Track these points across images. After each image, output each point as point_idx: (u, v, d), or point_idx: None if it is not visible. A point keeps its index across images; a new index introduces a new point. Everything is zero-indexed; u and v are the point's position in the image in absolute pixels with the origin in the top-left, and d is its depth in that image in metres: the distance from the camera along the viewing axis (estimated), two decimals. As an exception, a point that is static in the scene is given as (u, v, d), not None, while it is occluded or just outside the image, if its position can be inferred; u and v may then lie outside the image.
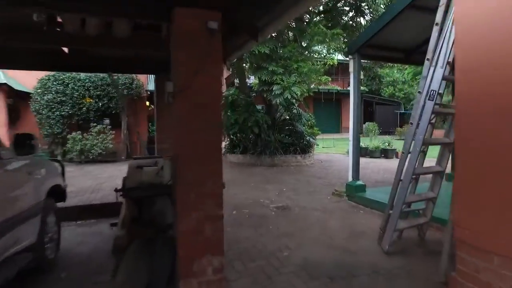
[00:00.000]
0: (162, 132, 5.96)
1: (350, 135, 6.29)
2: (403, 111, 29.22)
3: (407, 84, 30.80)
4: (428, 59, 3.20)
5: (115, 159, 11.66)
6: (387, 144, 12.77)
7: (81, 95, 11.19)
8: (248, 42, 4.07)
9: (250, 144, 10.78)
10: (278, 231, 4.41)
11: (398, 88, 30.29)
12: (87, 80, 11.25)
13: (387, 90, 30.58)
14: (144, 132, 13.60)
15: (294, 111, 11.61)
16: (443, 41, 3.01)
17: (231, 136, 11.11)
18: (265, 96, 10.58)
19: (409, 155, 3.56)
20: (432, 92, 3.14)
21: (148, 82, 13.97)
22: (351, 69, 6.15)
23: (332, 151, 15.36)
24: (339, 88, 25.37)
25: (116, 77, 11.19)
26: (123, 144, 12.15)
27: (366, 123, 26.42)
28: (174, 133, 2.74)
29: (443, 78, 3.08)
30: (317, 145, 11.67)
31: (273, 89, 9.72)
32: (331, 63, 15.07)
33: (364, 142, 13.35)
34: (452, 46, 2.92)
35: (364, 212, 5.34)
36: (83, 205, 5.46)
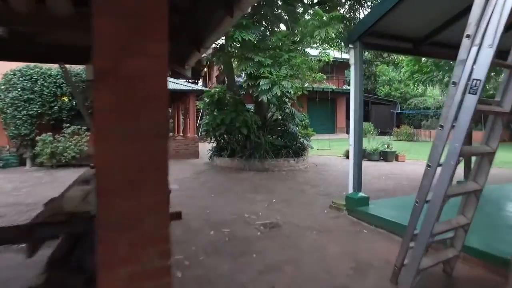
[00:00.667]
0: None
1: (351, 138, 5.39)
2: (399, 111, 28.49)
3: (403, 83, 30.07)
4: (468, 36, 2.27)
5: (91, 163, 10.61)
6: (386, 146, 11.92)
7: (52, 92, 10.14)
8: (224, 19, 3.15)
9: (239, 146, 9.85)
10: (263, 263, 3.47)
11: (394, 87, 29.57)
12: (58, 76, 10.20)
13: (383, 90, 29.86)
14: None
15: (287, 110, 10.70)
16: (494, 7, 2.10)
17: (218, 138, 10.15)
18: (250, 92, 9.61)
19: (438, 168, 2.62)
20: (475, 83, 2.22)
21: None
22: (351, 60, 5.25)
23: (328, 153, 14.47)
24: (334, 87, 24.54)
25: (69, 68, 10.14)
26: (100, 146, 11.10)
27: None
28: (92, 143, 1.78)
29: (493, 63, 2.16)
30: (312, 147, 10.75)
31: (260, 83, 8.62)
32: (326, 60, 14.20)
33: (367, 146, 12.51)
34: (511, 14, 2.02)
35: (368, 232, 4.43)
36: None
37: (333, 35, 9.43)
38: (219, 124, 9.44)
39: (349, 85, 26.06)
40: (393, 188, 7.27)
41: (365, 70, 31.35)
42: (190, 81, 33.16)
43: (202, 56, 10.68)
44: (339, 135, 25.32)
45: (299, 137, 10.49)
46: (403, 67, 25.75)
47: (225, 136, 9.99)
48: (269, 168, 9.37)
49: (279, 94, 8.35)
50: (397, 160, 11.70)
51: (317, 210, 5.51)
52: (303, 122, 22.78)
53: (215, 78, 24.90)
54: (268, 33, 9.13)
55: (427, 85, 25.76)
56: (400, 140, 21.41)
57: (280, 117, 10.70)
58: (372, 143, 12.60)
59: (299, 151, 9.98)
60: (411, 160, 12.10)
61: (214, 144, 10.69)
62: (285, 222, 4.87)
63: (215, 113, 9.74)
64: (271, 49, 9.03)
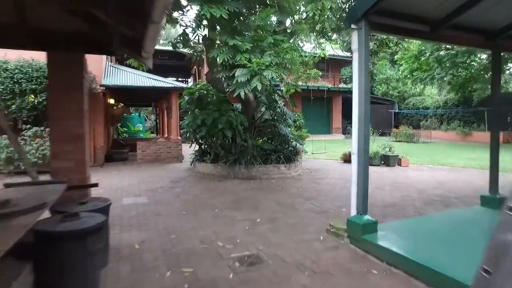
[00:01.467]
0: (60, 141, 3.79)
1: (354, 144, 4.28)
2: (397, 111, 27.50)
3: (401, 82, 29.11)
4: None
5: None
6: (388, 149, 10.81)
7: (8, 89, 8.89)
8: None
9: (222, 151, 8.68)
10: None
11: (392, 86, 28.59)
12: (16, 71, 8.95)
13: (380, 88, 28.87)
14: (100, 135, 11.33)
15: (278, 109, 9.53)
16: None
17: (199, 142, 8.96)
18: (225, 86, 8.40)
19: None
20: None
21: (106, 75, 11.72)
22: (354, 46, 4.09)
23: (323, 156, 13.34)
24: (330, 86, 23.44)
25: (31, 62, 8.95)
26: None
27: (358, 123, 24.58)
28: None
29: None
30: (306, 152, 9.58)
31: (235, 75, 6.97)
32: (322, 56, 13.10)
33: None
34: None
35: (379, 273, 3.28)
36: None
37: (329, 13, 8.08)
38: (200, 125, 8.26)
39: (345, 83, 25.01)
40: (401, 202, 6.15)
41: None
42: (180, 79, 31.96)
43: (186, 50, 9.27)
44: (335, 136, 24.25)
45: (292, 140, 9.34)
46: (401, 64, 24.73)
47: (207, 139, 8.80)
48: (256, 175, 8.21)
49: (259, 88, 6.70)
50: (400, 164, 10.61)
51: (311, 235, 4.36)
52: (297, 123, 21.72)
53: (204, 76, 23.72)
54: (246, 11, 7.67)
55: (427, 83, 24.80)
56: (399, 141, 20.36)
57: (270, 117, 9.55)
58: (372, 145, 11.48)
59: (291, 156, 8.83)
60: (415, 164, 11.02)
61: (197, 148, 9.51)
62: (269, 254, 3.71)
63: (196, 113, 8.55)
64: (249, 31, 7.61)
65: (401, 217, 5.22)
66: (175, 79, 26.53)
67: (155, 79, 12.41)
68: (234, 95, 7.24)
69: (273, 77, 6.82)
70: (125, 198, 6.45)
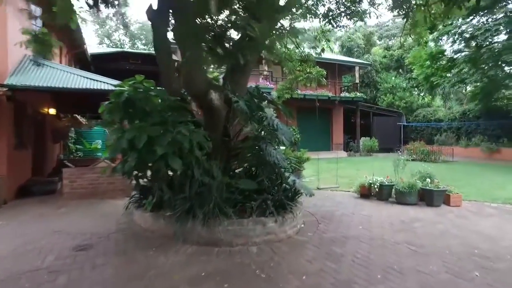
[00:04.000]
0: None
1: None
2: (405, 123, 24.20)
3: (408, 92, 25.93)
4: None
5: None
6: (428, 180, 7.30)
7: None
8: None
9: (170, 191, 5.10)
10: None
11: (398, 96, 25.36)
12: None
13: (385, 99, 25.63)
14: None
15: (265, 122, 5.88)
16: None
17: (131, 175, 5.31)
18: None
19: None
20: None
21: (17, 72, 8.10)
22: None
23: (329, 182, 9.80)
24: (330, 94, 20.08)
25: None
26: None
27: (362, 138, 21.22)
28: None
29: None
30: (309, 194, 5.78)
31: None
32: (325, 48, 9.70)
33: (383, 174, 7.89)
34: None
35: None
36: None
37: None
38: (126, 149, 4.68)
39: (348, 92, 21.70)
40: None
41: (364, 76, 27.16)
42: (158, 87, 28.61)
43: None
44: (336, 153, 20.75)
45: (287, 170, 5.80)
46: (412, 69, 21.56)
47: (143, 170, 5.19)
48: (224, 239, 4.61)
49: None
50: (448, 203, 7.09)
51: None
52: (292, 139, 18.18)
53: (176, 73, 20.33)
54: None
55: (448, 91, 21.62)
56: (414, 160, 16.92)
57: (253, 134, 6.00)
58: (402, 173, 7.98)
59: (286, 201, 5.24)
60: (468, 202, 7.51)
61: (132, 184, 5.89)
62: None
63: (124, 128, 4.97)
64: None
65: None
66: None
67: (96, 80, 8.85)
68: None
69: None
70: None
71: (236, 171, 6.01)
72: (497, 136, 18.68)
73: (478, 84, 16.99)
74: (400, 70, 27.90)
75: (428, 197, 7.10)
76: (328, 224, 5.77)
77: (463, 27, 15.60)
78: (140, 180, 5.54)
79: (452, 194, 7.09)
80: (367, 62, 24.96)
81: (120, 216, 6.32)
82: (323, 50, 9.74)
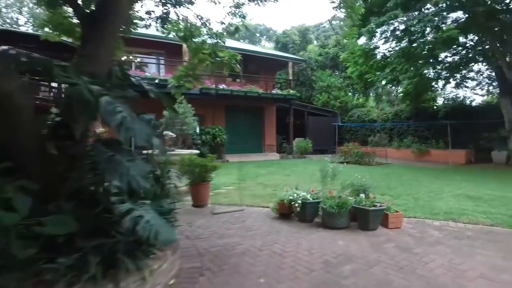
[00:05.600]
0: None
1: None
2: (340, 124, 23.43)
3: (343, 91, 25.30)
4: None
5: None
6: (362, 194, 5.61)
7: None
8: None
9: None
10: None
11: (333, 96, 24.57)
12: None
13: (321, 98, 24.68)
14: None
15: (120, 116, 3.50)
16: None
17: None
18: None
19: None
20: None
21: None
22: None
23: (246, 195, 7.82)
24: (260, 91, 18.30)
25: None
26: None
27: (296, 139, 19.84)
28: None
29: None
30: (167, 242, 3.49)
31: None
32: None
33: (315, 179, 6.05)
34: None
35: None
36: None
37: None
38: None
39: (280, 89, 20.17)
40: None
41: (299, 74, 26.01)
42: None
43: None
44: (269, 156, 19.09)
45: (147, 196, 3.55)
46: (347, 67, 20.72)
47: None
48: None
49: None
50: (386, 225, 5.45)
51: None
52: (217, 139, 16.15)
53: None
54: None
55: (393, 84, 20.94)
56: (348, 162, 15.82)
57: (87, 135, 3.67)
58: (332, 183, 6.22)
59: (126, 259, 3.01)
60: (408, 220, 5.97)
61: None
62: None
63: None
64: None
65: None
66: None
67: None
68: None
69: None
70: None
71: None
72: (426, 137, 18.52)
73: (412, 81, 16.43)
74: (336, 70, 27.32)
75: (362, 218, 5.39)
76: (215, 275, 3.68)
77: (396, 23, 14.79)
78: None
79: (391, 214, 5.46)
80: (301, 58, 23.78)
81: None
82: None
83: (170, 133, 9.70)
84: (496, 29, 14.06)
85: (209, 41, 7.40)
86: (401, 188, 9.04)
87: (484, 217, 6.14)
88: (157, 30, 7.77)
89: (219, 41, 7.46)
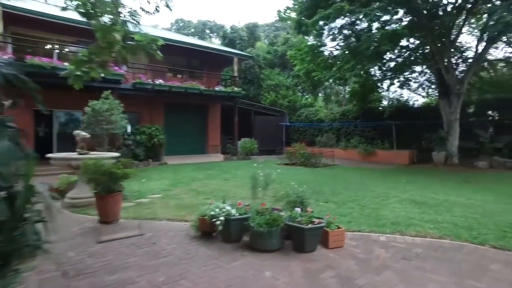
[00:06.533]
0: None
1: None
2: (289, 124, 22.82)
3: (291, 90, 24.75)
4: None
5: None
6: (299, 208, 4.64)
7: None
8: None
9: None
10: None
11: (282, 95, 23.92)
12: None
13: (269, 96, 23.91)
14: None
15: None
16: None
17: None
18: None
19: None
20: None
21: None
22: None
23: (173, 209, 6.53)
24: (202, 88, 16.96)
25: None
26: None
27: (242, 139, 18.81)
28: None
29: None
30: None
31: None
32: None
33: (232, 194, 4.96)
34: None
35: None
36: None
37: None
38: None
39: (225, 86, 18.98)
40: None
41: (247, 72, 25.03)
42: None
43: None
44: (212, 157, 17.85)
45: None
46: (294, 65, 20.09)
47: None
48: None
49: None
50: (326, 245, 4.52)
51: None
52: (154, 140, 14.73)
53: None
54: None
55: (337, 84, 20.65)
56: (294, 163, 15.11)
57: None
58: (265, 196, 5.18)
59: None
60: (352, 235, 5.11)
61: None
62: None
63: None
64: None
65: None
66: None
67: None
68: None
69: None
70: None
71: None
72: (372, 138, 18.47)
73: (359, 80, 16.15)
74: (284, 69, 26.76)
75: (298, 238, 4.41)
76: None
77: (343, 21, 14.34)
78: None
79: (332, 231, 4.54)
80: (248, 55, 22.79)
81: None
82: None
83: (83, 133, 8.09)
84: (436, 31, 14.18)
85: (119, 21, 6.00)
86: (346, 194, 8.31)
87: (432, 227, 5.49)
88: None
89: (132, 20, 6.10)
